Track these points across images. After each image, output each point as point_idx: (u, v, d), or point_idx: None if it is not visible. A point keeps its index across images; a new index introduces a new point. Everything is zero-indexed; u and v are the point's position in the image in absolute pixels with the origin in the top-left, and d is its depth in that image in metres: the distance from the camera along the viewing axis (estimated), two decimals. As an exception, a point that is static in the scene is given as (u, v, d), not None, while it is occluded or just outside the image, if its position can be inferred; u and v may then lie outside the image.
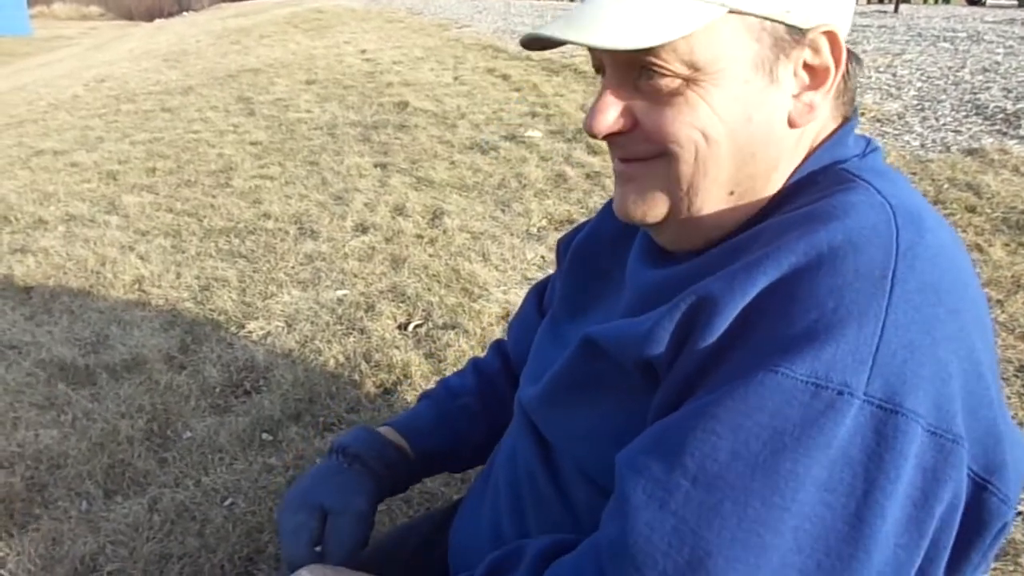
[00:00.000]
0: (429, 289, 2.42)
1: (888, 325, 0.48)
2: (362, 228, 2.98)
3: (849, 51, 0.60)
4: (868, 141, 0.64)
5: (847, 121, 0.64)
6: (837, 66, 0.58)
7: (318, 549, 0.77)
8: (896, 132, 3.41)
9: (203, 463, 1.69)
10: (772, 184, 0.61)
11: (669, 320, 0.55)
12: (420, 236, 2.86)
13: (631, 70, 0.58)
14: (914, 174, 2.88)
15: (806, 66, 0.58)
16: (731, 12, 0.55)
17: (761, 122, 0.58)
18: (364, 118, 4.63)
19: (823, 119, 0.62)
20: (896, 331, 0.48)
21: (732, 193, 0.60)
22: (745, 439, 0.48)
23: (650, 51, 0.55)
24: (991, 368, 0.55)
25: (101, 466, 1.68)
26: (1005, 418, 0.54)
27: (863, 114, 3.63)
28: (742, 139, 0.57)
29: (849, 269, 0.50)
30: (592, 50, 0.60)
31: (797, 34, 0.57)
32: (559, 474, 0.70)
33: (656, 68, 0.56)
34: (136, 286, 2.59)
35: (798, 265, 0.51)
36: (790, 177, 0.61)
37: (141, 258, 2.80)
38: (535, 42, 0.60)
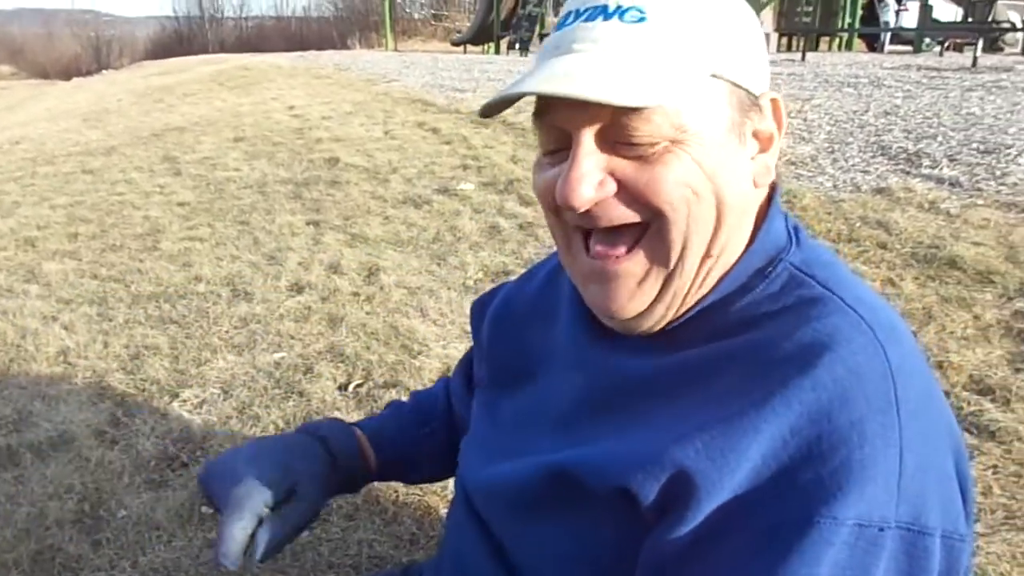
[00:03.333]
0: (368, 348, 2.41)
1: (904, 450, 0.52)
2: (297, 288, 2.95)
3: None
4: (786, 216, 0.67)
5: (771, 193, 0.66)
6: (779, 129, 0.62)
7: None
8: (810, 174, 3.59)
9: (140, 543, 1.63)
10: (734, 248, 0.62)
11: (650, 474, 0.56)
12: (356, 294, 2.85)
13: (609, 134, 0.56)
14: (829, 214, 3.03)
15: (755, 132, 0.61)
16: (713, 76, 0.57)
17: (737, 182, 0.59)
18: (295, 175, 4.62)
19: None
20: (911, 454, 0.52)
21: (709, 256, 0.60)
22: None
23: (640, 113, 0.55)
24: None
25: (28, 553, 1.61)
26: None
27: (777, 158, 3.81)
28: (725, 197, 0.58)
29: (860, 400, 0.52)
30: (563, 118, 0.57)
31: (754, 100, 0.60)
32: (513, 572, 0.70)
33: (644, 133, 0.55)
34: (61, 358, 2.50)
35: (812, 405, 0.53)
36: (739, 260, 0.62)
37: (65, 328, 2.71)
38: (500, 105, 0.59)
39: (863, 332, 0.55)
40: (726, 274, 0.62)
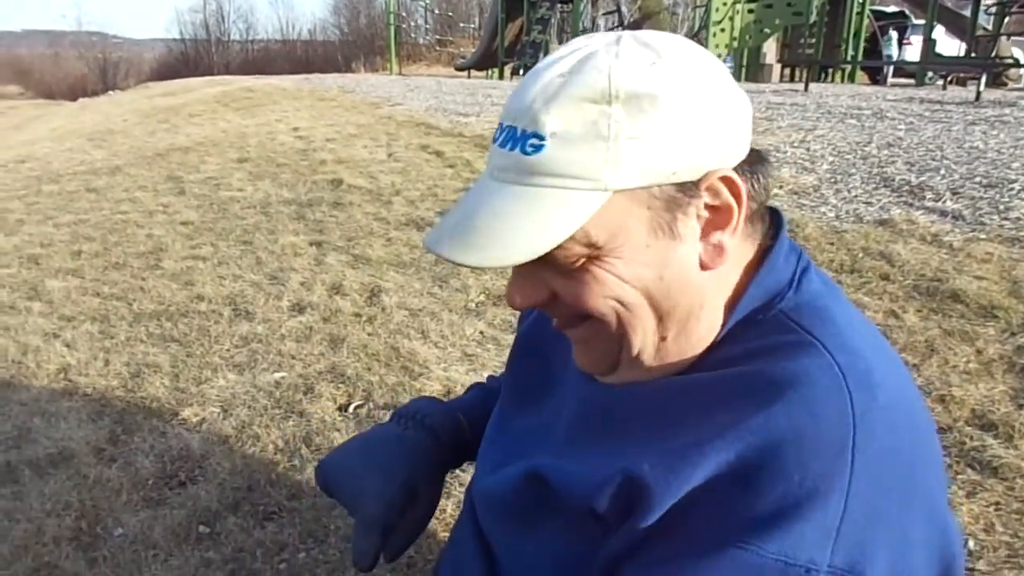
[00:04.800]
0: (369, 369, 2.41)
1: (851, 496, 0.52)
2: (299, 308, 2.95)
3: (758, 152, 0.61)
4: (799, 256, 0.65)
5: (774, 240, 0.64)
6: (739, 204, 0.58)
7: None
8: (813, 204, 3.60)
9: (136, 561, 1.62)
10: (706, 320, 0.62)
11: (607, 490, 0.58)
12: (358, 315, 2.85)
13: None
14: (831, 244, 3.04)
15: (708, 207, 0.58)
16: (616, 192, 0.55)
17: (673, 277, 0.58)
18: (298, 196, 4.64)
19: (741, 247, 0.62)
20: (859, 501, 0.52)
21: (665, 338, 0.61)
22: None
23: None
24: (942, 490, 0.59)
25: (25, 570, 1.59)
26: (953, 526, 0.59)
27: (780, 187, 3.83)
28: (658, 296, 0.59)
29: (811, 442, 0.53)
30: None
31: (690, 188, 0.57)
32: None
33: (558, 256, 0.57)
34: (62, 375, 2.50)
35: (763, 440, 0.53)
36: (730, 312, 0.62)
37: (67, 345, 2.71)
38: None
39: (832, 376, 0.55)
40: (723, 325, 0.63)
